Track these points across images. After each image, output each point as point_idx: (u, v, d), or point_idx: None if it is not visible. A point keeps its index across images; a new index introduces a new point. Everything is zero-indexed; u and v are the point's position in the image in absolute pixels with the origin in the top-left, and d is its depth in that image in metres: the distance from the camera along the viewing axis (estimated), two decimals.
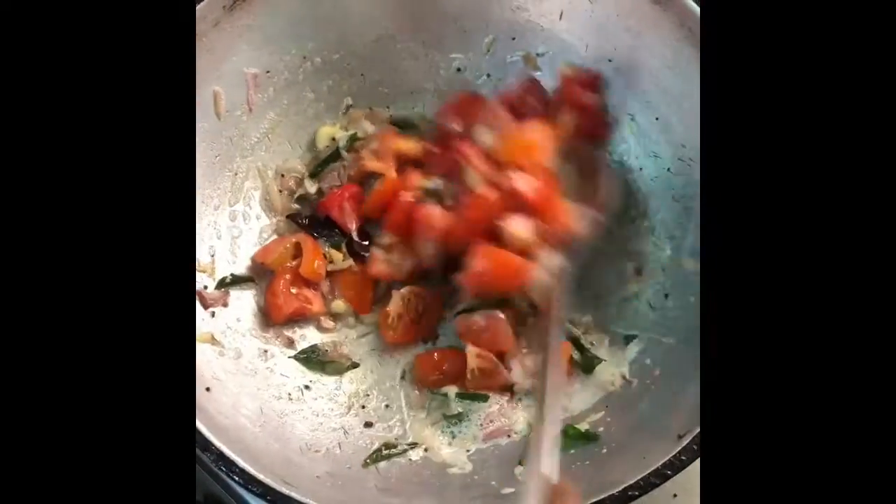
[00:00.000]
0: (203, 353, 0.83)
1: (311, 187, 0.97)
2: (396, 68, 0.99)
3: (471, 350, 0.89)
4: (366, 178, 0.97)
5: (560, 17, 0.93)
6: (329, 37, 0.94)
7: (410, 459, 0.86)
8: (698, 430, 0.72)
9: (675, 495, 0.93)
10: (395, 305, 0.92)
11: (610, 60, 0.93)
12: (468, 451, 0.87)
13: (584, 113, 0.90)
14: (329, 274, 0.95)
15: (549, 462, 0.66)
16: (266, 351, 0.91)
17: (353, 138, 0.98)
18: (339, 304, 0.95)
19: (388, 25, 0.96)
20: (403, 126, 1.01)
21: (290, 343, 0.92)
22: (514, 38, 0.96)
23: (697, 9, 0.83)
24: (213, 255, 0.91)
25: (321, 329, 0.94)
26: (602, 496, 0.71)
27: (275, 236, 0.96)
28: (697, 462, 0.71)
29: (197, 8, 0.82)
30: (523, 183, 0.83)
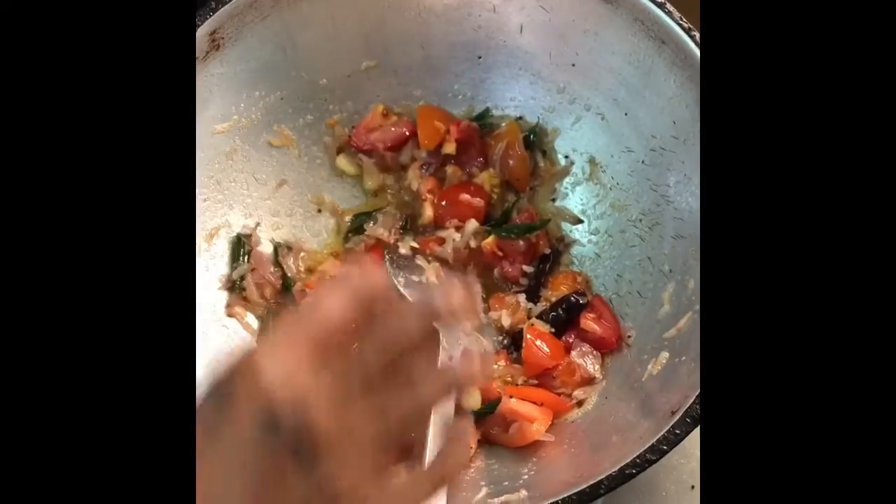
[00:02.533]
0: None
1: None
2: (371, 101, 1.03)
3: None
4: None
5: (521, 31, 0.97)
6: (302, 76, 0.98)
7: None
8: (690, 401, 0.72)
9: (692, 487, 0.92)
10: None
11: (573, 65, 0.96)
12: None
13: None
14: None
15: None
16: None
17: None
18: None
19: (358, 60, 1.00)
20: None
21: None
22: (479, 58, 1.00)
23: (647, 2, 0.86)
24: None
25: None
26: (599, 477, 0.71)
27: None
28: None
29: None
30: None
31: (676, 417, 0.72)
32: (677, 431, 0.72)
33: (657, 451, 0.71)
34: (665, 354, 0.83)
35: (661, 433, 0.72)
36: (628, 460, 0.71)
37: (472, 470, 0.85)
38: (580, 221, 0.99)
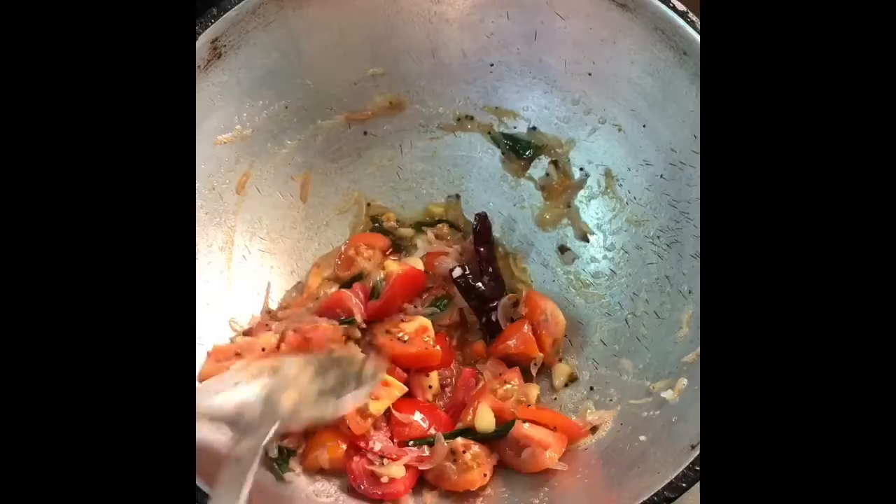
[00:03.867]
0: None
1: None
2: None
3: None
4: None
5: (535, 38, 0.93)
6: (307, 84, 0.95)
7: None
8: None
9: None
10: None
11: (590, 74, 0.92)
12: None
13: None
14: None
15: None
16: None
17: None
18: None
19: (365, 67, 0.96)
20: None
21: None
22: (492, 66, 0.96)
23: (668, 11, 0.82)
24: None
25: None
26: None
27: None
28: None
29: None
30: None
31: (696, 452, 0.69)
32: (697, 468, 0.68)
33: (676, 489, 0.68)
34: (683, 381, 0.79)
35: (681, 469, 0.69)
36: (645, 498, 0.68)
37: (482, 499, 0.82)
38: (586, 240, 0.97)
